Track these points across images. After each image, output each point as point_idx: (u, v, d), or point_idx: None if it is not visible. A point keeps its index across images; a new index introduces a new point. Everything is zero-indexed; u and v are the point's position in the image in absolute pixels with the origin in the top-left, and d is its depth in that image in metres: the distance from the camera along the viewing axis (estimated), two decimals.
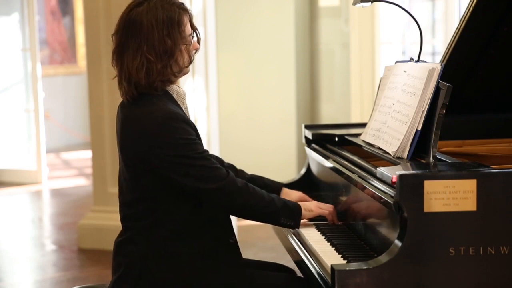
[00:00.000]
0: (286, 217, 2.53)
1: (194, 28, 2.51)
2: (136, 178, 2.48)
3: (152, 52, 2.42)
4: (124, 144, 2.50)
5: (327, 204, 2.72)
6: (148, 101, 2.45)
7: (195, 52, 2.54)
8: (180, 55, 2.47)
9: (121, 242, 2.56)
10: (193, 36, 2.51)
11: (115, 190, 5.31)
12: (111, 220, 5.31)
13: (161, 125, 2.40)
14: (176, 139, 2.39)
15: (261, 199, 2.48)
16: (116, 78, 2.53)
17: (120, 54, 2.47)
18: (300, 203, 2.61)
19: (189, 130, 2.43)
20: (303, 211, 2.58)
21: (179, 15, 2.45)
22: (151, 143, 2.41)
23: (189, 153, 2.40)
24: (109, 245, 5.16)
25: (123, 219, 2.58)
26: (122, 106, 2.55)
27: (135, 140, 2.45)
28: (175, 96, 2.52)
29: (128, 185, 2.52)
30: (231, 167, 2.87)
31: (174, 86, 2.52)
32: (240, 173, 2.87)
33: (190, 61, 2.51)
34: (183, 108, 2.52)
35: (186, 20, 2.47)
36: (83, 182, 8.16)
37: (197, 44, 2.53)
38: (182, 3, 2.50)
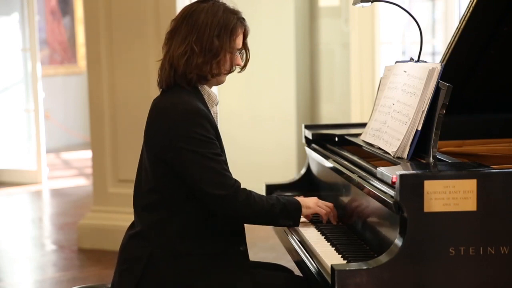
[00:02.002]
0: (285, 219, 2.55)
1: (245, 47, 2.58)
2: (154, 167, 2.49)
3: (198, 45, 2.48)
4: (147, 132, 2.53)
5: (326, 203, 2.72)
6: (177, 94, 2.49)
7: (240, 71, 2.60)
8: (223, 60, 2.52)
9: (132, 236, 2.56)
10: (240, 52, 2.56)
11: (115, 190, 5.38)
12: (111, 220, 5.31)
13: (181, 117, 2.43)
14: (193, 133, 2.41)
15: (261, 208, 2.48)
16: (160, 62, 2.56)
17: (171, 38, 2.53)
18: (300, 199, 2.61)
19: (209, 129, 2.45)
20: (303, 209, 2.59)
21: (235, 24, 2.52)
22: (169, 133, 2.43)
23: (202, 151, 2.41)
24: (109, 245, 5.23)
25: (136, 210, 2.59)
26: (155, 99, 2.59)
27: (156, 128, 2.49)
28: (205, 97, 2.56)
29: (147, 174, 2.53)
30: None
31: (207, 88, 2.56)
32: None
33: (230, 71, 2.57)
34: (212, 112, 2.55)
35: (240, 32, 2.54)
36: (83, 182, 8.16)
37: (240, 61, 2.58)
38: (244, 18, 2.57)
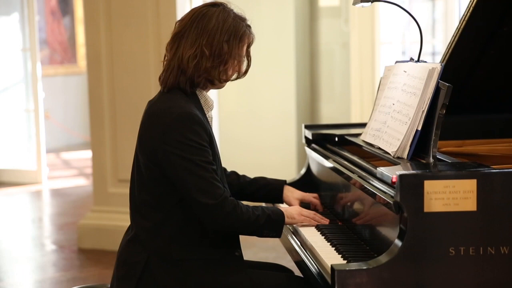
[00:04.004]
0: (269, 230, 2.52)
1: (247, 54, 2.59)
2: (148, 171, 2.49)
3: (209, 48, 2.47)
4: (141, 135, 2.53)
5: (308, 211, 2.72)
6: (173, 98, 2.49)
7: (239, 76, 2.60)
8: (231, 67, 2.53)
9: (128, 240, 2.56)
10: (244, 60, 2.58)
11: (115, 190, 5.38)
12: (111, 220, 5.31)
13: (174, 121, 2.42)
14: (185, 138, 2.40)
15: (248, 219, 2.46)
16: (166, 62, 2.55)
17: (179, 39, 2.52)
18: (284, 209, 2.60)
19: (202, 135, 2.43)
20: (286, 219, 2.58)
21: (243, 32, 2.53)
22: (163, 137, 2.43)
23: (193, 157, 2.40)
24: (109, 245, 5.24)
25: (131, 213, 2.59)
26: (150, 100, 2.59)
27: (149, 131, 2.48)
28: (202, 102, 2.55)
29: (141, 177, 2.52)
30: (233, 174, 2.88)
31: (204, 92, 2.56)
32: (242, 178, 2.88)
33: (237, 78, 2.59)
34: (207, 117, 2.55)
35: (246, 41, 2.55)
36: (83, 182, 8.16)
37: (243, 69, 2.58)
38: (250, 26, 2.57)
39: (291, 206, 2.75)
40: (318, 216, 2.72)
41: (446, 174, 2.21)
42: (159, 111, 2.47)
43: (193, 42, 2.48)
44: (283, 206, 2.74)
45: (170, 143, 2.41)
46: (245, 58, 2.59)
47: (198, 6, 2.55)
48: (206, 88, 2.56)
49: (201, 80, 2.50)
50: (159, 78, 2.57)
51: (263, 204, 2.97)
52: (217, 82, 2.53)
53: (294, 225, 2.75)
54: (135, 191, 2.55)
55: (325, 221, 2.72)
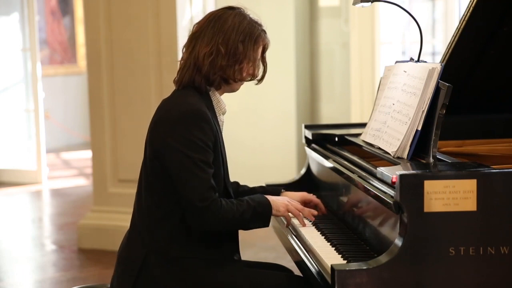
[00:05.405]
0: (256, 222, 2.52)
1: (263, 60, 2.64)
2: (151, 166, 2.50)
3: (224, 47, 2.51)
4: (149, 131, 2.55)
5: (296, 206, 2.65)
6: (185, 95, 2.51)
7: (257, 83, 2.67)
8: (246, 67, 2.57)
9: (129, 236, 2.58)
10: (259, 64, 2.62)
11: (115, 190, 5.39)
12: (111, 220, 5.31)
13: (183, 116, 2.43)
14: (190, 134, 2.41)
15: (232, 218, 2.44)
16: (182, 61, 2.59)
17: (196, 38, 2.56)
18: (271, 200, 2.57)
19: (208, 134, 2.44)
20: (273, 211, 2.56)
21: (258, 35, 2.58)
22: (167, 130, 2.44)
23: (194, 155, 2.40)
24: (109, 245, 5.24)
25: (134, 210, 2.60)
26: (165, 98, 2.61)
27: (157, 126, 2.50)
28: (214, 103, 2.57)
29: (145, 174, 2.54)
30: (234, 183, 2.84)
31: (217, 95, 2.58)
32: (241, 188, 2.85)
33: (251, 79, 2.62)
34: (218, 120, 2.56)
35: (261, 44, 2.61)
36: (83, 182, 8.16)
37: (258, 73, 2.62)
38: (266, 32, 2.63)
39: (280, 197, 2.68)
40: (307, 210, 2.68)
41: (446, 174, 2.21)
42: (168, 107, 2.50)
43: (209, 41, 2.52)
44: (270, 197, 2.66)
45: (175, 137, 2.42)
46: (261, 63, 2.62)
47: (215, 10, 2.60)
48: (220, 88, 2.58)
49: (216, 77, 2.52)
50: (174, 80, 2.58)
51: None
52: (232, 81, 2.56)
53: (294, 226, 2.75)
54: (142, 188, 2.56)
55: (312, 217, 2.68)
